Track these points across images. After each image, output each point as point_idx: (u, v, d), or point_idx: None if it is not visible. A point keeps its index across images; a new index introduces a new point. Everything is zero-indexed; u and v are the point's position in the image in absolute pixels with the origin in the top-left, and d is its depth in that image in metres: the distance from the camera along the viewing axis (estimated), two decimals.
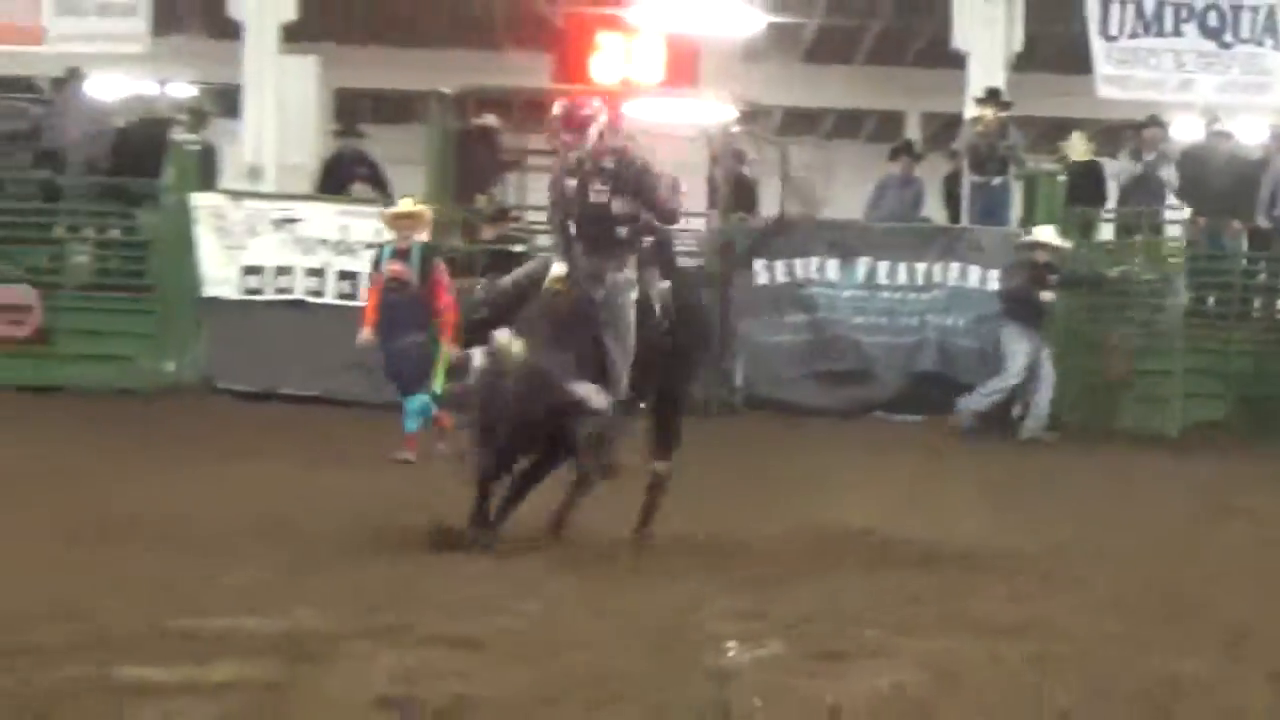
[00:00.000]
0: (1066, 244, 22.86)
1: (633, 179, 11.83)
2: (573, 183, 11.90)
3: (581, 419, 11.39)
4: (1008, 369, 21.93)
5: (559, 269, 11.78)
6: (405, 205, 17.93)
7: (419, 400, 16.88)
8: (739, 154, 25.15)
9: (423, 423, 16.92)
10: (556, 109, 12.05)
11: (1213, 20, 24.72)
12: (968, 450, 20.45)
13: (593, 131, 11.78)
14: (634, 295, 12.12)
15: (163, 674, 7.49)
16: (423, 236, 17.45)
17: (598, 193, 11.77)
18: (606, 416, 11.45)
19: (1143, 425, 21.98)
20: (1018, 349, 21.93)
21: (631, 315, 11.98)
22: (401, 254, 17.15)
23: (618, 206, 11.80)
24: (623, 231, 11.90)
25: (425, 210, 18.01)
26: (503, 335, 11.21)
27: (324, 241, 22.99)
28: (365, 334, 17.09)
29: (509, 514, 11.74)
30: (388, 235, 17.88)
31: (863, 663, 8.44)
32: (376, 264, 17.79)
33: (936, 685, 8.00)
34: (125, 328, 22.95)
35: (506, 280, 12.53)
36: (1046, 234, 22.54)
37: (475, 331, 12.14)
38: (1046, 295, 22.26)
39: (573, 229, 11.93)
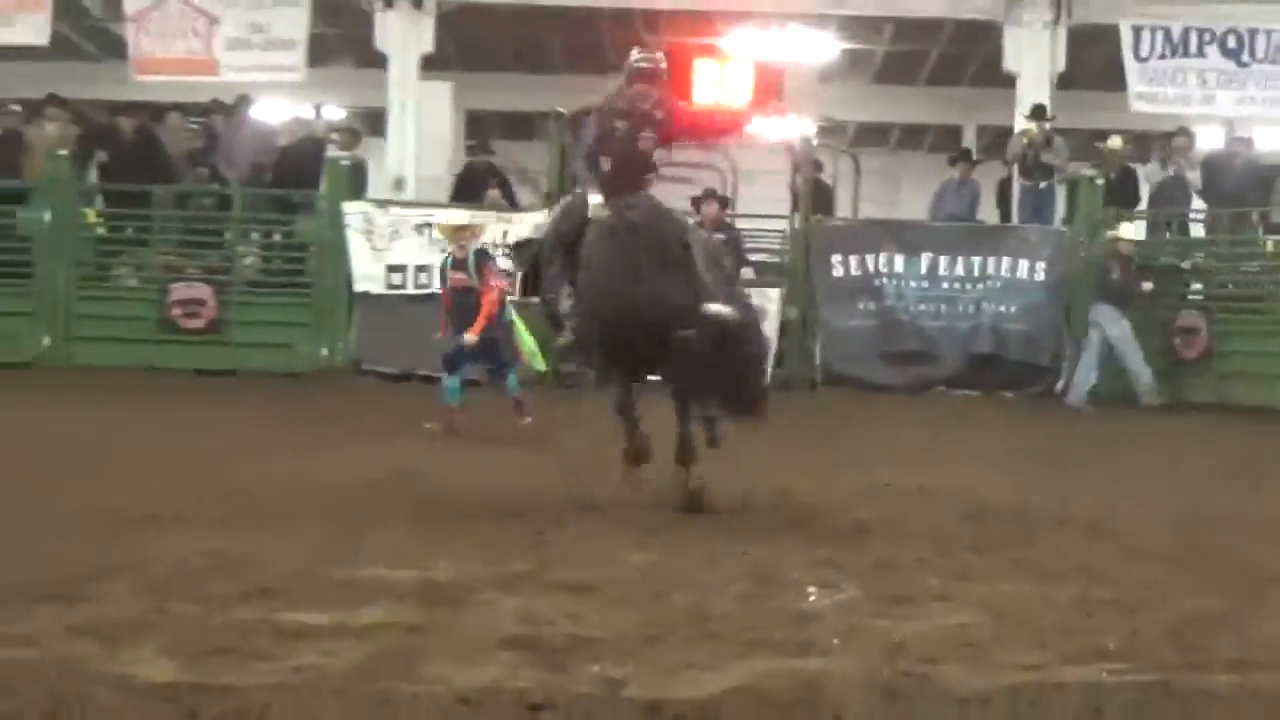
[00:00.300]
0: (1140, 237, 22.96)
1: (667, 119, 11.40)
2: (624, 124, 11.30)
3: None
4: (1130, 354, 21.90)
5: (597, 200, 11.19)
6: (460, 219, 18.07)
7: (512, 378, 17.08)
8: (817, 163, 25.13)
9: (518, 390, 17.11)
10: (643, 62, 11.51)
11: (1231, 43, 24.65)
12: (1025, 420, 20.36)
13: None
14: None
15: (319, 618, 7.49)
16: (477, 244, 17.53)
17: (645, 139, 11.29)
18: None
19: (1245, 399, 21.76)
20: (1122, 330, 21.91)
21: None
22: (460, 263, 17.09)
23: (658, 155, 11.41)
24: (650, 175, 11.44)
25: (478, 223, 18.13)
26: (713, 306, 10.75)
27: None
28: (438, 334, 17.42)
29: None
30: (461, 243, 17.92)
31: (927, 605, 8.38)
32: (443, 275, 17.80)
33: (993, 625, 7.94)
34: (286, 319, 23.08)
35: (548, 234, 11.89)
36: (1127, 230, 22.63)
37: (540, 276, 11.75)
38: (1147, 285, 22.31)
39: (605, 166, 11.32)
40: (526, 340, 17.00)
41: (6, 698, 6.10)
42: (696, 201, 22.95)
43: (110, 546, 8.90)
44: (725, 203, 23.50)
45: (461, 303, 16.87)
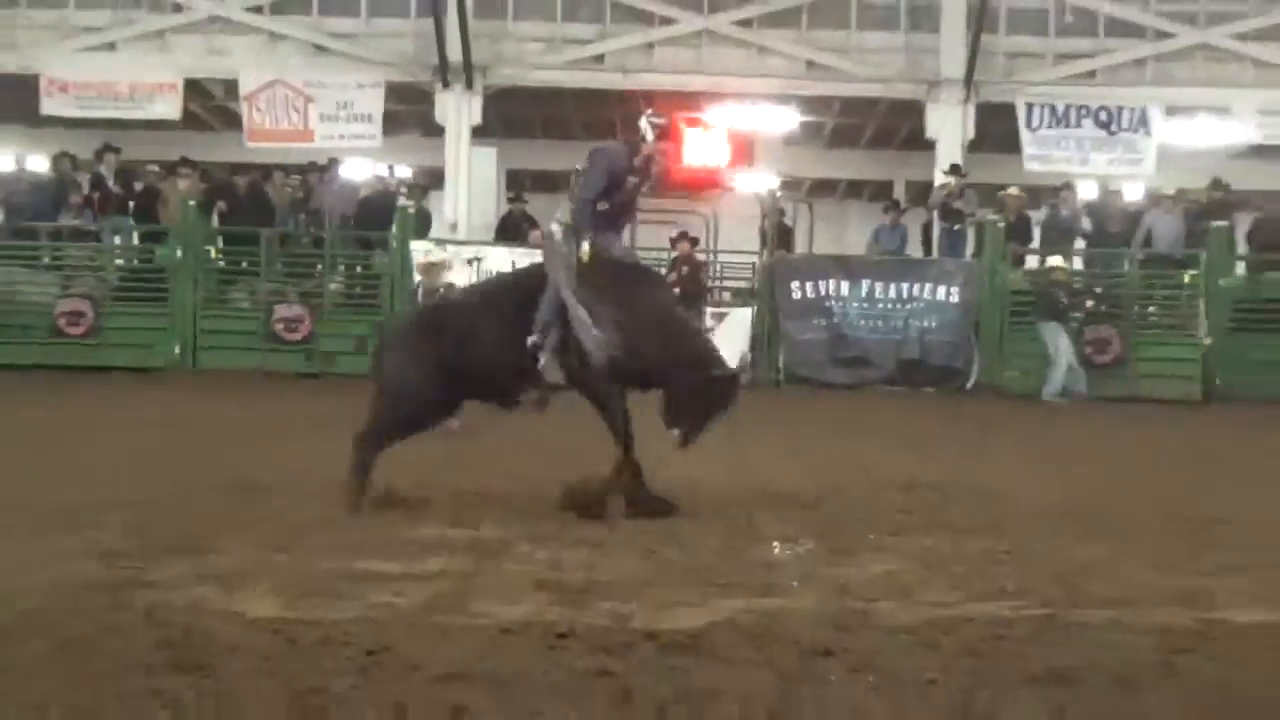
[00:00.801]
0: (1071, 268, 23.05)
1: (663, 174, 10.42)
2: (635, 180, 10.04)
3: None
4: (1058, 360, 21.95)
5: (587, 246, 9.75)
6: (434, 256, 16.22)
7: None
8: (781, 210, 25.14)
9: None
10: (657, 119, 10.12)
11: (1103, 116, 24.83)
12: (943, 410, 20.33)
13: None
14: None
15: (391, 566, 7.50)
16: (447, 278, 16.02)
17: (644, 193, 10.37)
18: None
19: (1163, 393, 22.18)
20: (1060, 341, 21.97)
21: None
22: (430, 293, 15.45)
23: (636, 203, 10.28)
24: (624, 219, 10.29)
25: (447, 258, 16.44)
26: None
27: (499, 272, 23.04)
28: None
29: None
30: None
31: (866, 555, 8.38)
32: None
33: (916, 571, 7.95)
34: (365, 332, 23.02)
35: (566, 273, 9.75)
36: (1059, 261, 22.72)
37: None
38: (1090, 303, 22.49)
39: (603, 207, 9.98)
40: None
41: (150, 630, 6.11)
42: (673, 240, 23.04)
43: (229, 510, 8.89)
44: (695, 241, 23.49)
45: None
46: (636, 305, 9.72)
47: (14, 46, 25.41)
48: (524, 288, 9.94)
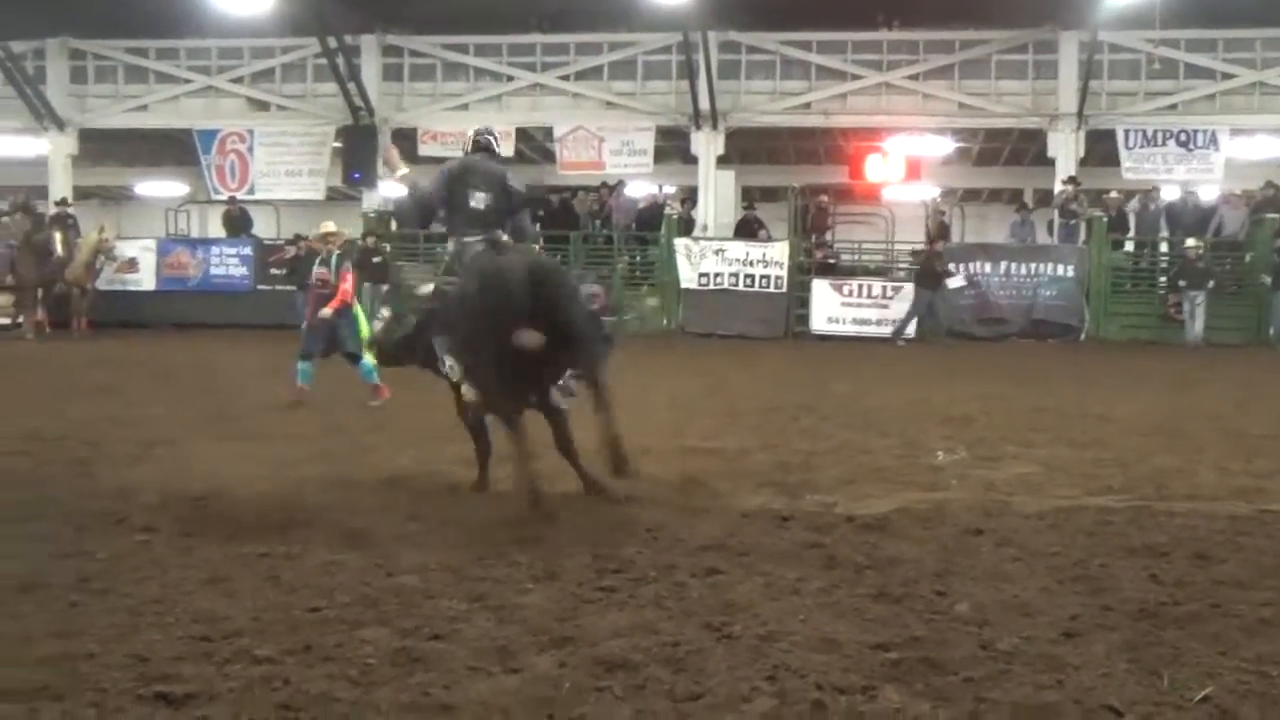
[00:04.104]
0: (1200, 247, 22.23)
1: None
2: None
3: None
4: (1197, 316, 21.70)
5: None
6: (327, 227, 12.67)
7: (365, 362, 11.74)
8: (941, 211, 24.64)
9: (372, 377, 11.77)
10: (483, 136, 7.85)
11: (1182, 138, 23.85)
12: (1061, 356, 19.78)
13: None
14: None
15: (676, 464, 7.50)
16: (334, 248, 12.38)
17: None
18: None
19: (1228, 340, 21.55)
20: (1200, 300, 21.70)
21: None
22: (324, 262, 12.31)
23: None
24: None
25: (341, 231, 12.90)
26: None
27: (738, 259, 22.97)
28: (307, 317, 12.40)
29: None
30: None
31: (1007, 462, 8.25)
32: (310, 271, 12.51)
33: (1045, 473, 7.78)
34: (632, 303, 23.02)
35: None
36: (1192, 242, 22.06)
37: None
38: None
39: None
40: (364, 332, 11.79)
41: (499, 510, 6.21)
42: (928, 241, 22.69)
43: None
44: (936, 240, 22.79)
45: (324, 295, 12.16)
46: None
47: (402, 109, 26.04)
48: None
